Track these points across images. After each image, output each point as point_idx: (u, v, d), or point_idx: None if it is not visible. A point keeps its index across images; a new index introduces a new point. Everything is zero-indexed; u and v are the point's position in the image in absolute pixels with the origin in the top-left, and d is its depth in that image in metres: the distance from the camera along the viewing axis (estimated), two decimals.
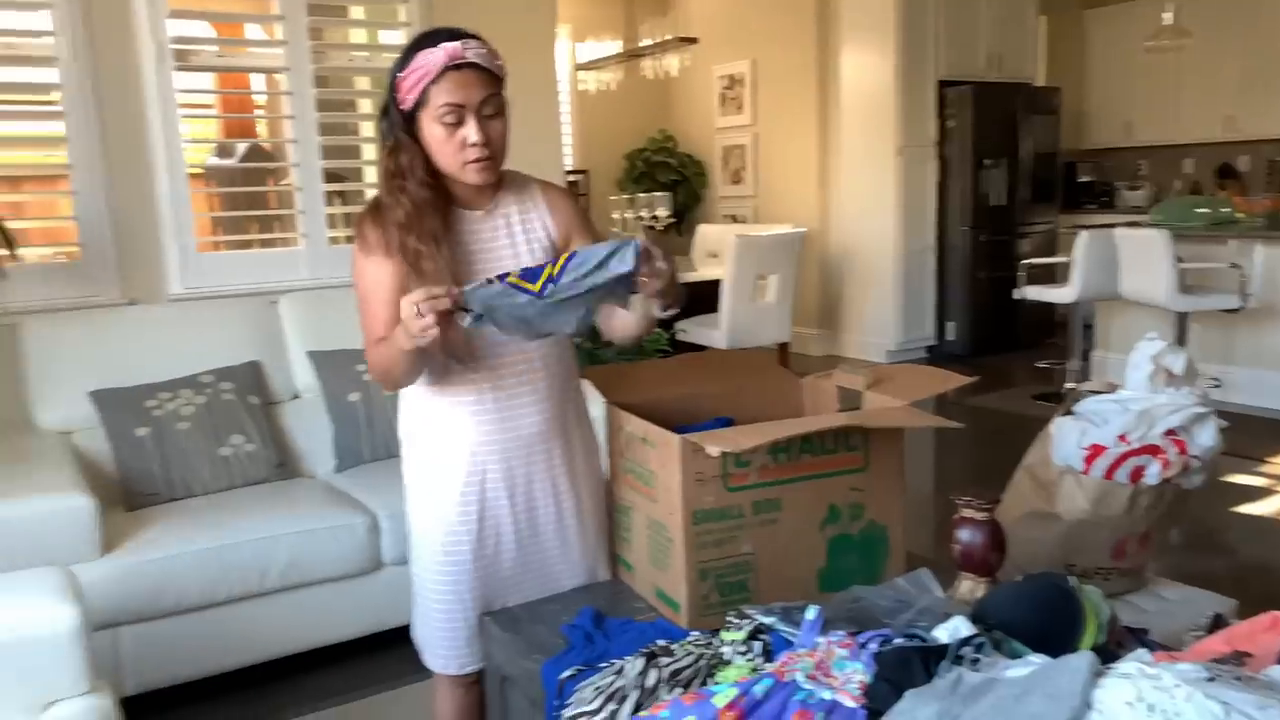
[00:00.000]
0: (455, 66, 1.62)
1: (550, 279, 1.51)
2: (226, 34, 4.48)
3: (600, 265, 1.52)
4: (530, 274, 1.52)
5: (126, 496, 2.84)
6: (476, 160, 1.68)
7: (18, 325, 3.03)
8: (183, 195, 3.40)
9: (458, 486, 1.81)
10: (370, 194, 4.27)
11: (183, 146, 3.43)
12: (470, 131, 1.65)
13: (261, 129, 5.62)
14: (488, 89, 1.66)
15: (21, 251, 2.95)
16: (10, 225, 2.83)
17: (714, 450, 1.60)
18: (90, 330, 3.09)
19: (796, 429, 1.67)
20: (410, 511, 1.90)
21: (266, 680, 2.76)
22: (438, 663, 1.94)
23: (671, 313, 1.68)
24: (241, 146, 4.95)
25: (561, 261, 1.52)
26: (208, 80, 3.91)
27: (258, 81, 4.26)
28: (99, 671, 1.83)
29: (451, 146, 1.67)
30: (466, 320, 1.52)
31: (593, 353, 3.50)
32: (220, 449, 2.95)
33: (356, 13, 4.22)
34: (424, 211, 1.68)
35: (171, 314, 3.28)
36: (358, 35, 4.24)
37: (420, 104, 1.65)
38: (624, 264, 1.52)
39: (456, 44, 1.62)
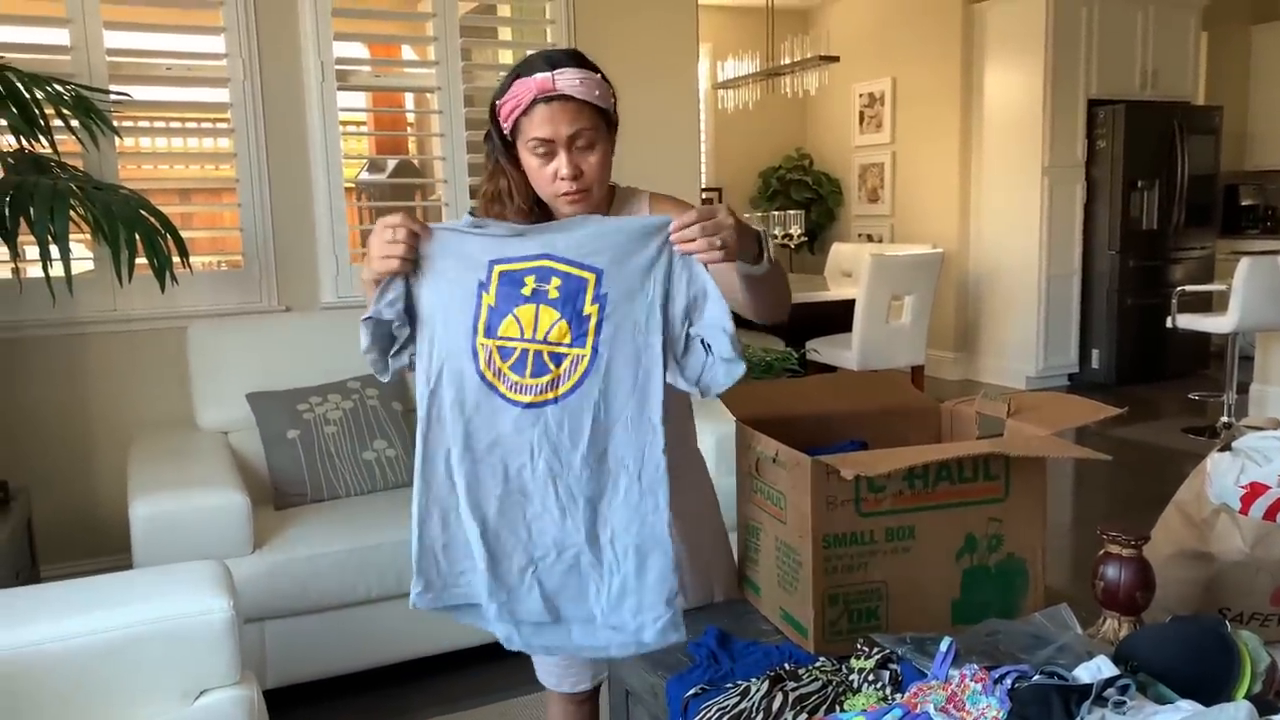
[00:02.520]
0: (545, 99, 1.54)
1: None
2: (380, 54, 4.70)
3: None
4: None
5: (275, 496, 2.99)
6: (567, 194, 1.60)
7: (186, 329, 3.24)
8: (339, 209, 3.58)
9: None
10: None
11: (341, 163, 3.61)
12: (560, 165, 1.57)
13: (411, 146, 5.85)
14: (579, 122, 1.56)
15: (192, 260, 3.14)
16: (182, 235, 3.02)
17: (848, 474, 1.58)
18: (249, 335, 3.27)
19: (934, 455, 1.64)
20: None
21: (396, 682, 2.86)
22: (551, 680, 1.96)
23: (759, 267, 1.56)
24: (392, 163, 5.16)
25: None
26: (363, 99, 4.11)
27: (409, 100, 4.45)
28: (247, 663, 1.91)
29: (544, 178, 1.60)
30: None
31: None
32: (364, 453, 3.08)
33: (505, 34, 4.36)
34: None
35: (323, 321, 3.45)
36: (505, 55, 4.39)
37: (515, 133, 1.60)
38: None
39: (547, 75, 1.53)
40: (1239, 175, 8.35)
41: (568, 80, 1.53)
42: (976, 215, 7.20)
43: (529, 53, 1.63)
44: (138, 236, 2.77)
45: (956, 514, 1.68)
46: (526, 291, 1.39)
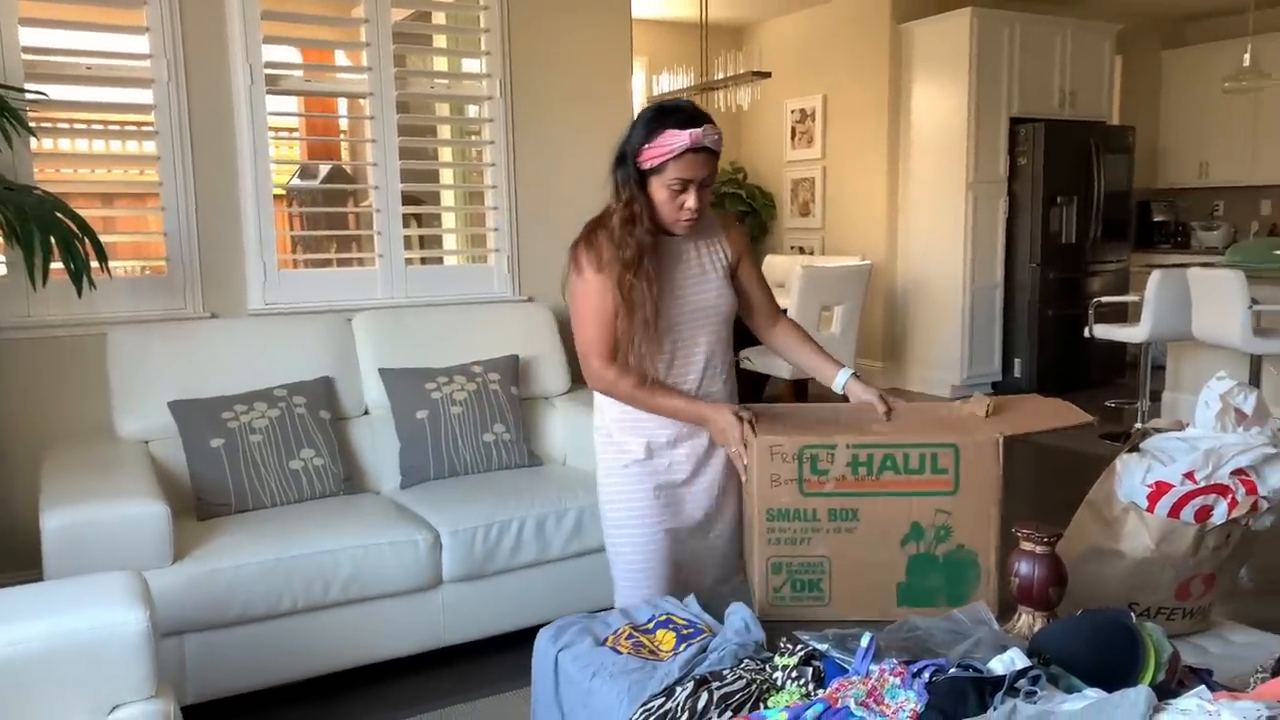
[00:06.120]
0: (694, 149, 1.99)
1: None
2: (313, 59, 4.64)
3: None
4: None
5: (198, 506, 2.92)
6: (687, 220, 2.08)
7: (105, 336, 3.16)
8: (267, 214, 3.52)
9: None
10: (448, 217, 4.38)
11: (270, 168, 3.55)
12: (690, 199, 2.05)
13: (344, 152, 5.78)
14: (709, 168, 2.05)
15: (111, 265, 3.06)
16: (102, 239, 2.95)
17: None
18: (172, 342, 3.19)
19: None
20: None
21: (323, 694, 2.80)
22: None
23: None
24: (324, 168, 5.10)
25: None
26: (294, 103, 4.05)
27: (342, 106, 4.40)
28: (164, 677, 1.87)
29: (671, 208, 2.06)
30: None
31: None
32: (290, 462, 3.03)
33: (439, 41, 4.34)
34: (645, 254, 2.07)
35: (250, 328, 3.38)
36: (439, 62, 4.36)
37: (656, 171, 2.03)
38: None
39: (699, 130, 1.99)
40: (1151, 192, 8.67)
41: (711, 136, 2.02)
42: (904, 228, 7.35)
43: (658, 102, 2.16)
44: (53, 240, 2.70)
45: (902, 502, 1.79)
46: None
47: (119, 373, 3.10)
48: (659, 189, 2.05)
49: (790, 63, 7.87)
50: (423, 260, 3.97)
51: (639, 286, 2.05)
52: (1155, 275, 5.37)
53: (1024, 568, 1.59)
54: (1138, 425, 5.50)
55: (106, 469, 2.80)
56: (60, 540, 2.42)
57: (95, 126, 4.00)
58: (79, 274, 2.79)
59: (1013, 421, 1.91)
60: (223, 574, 2.59)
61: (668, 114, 2.04)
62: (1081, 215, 7.10)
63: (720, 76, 6.98)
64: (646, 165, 2.03)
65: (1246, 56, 6.74)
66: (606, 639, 1.82)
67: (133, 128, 3.61)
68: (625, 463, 2.21)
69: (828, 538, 1.78)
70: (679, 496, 2.22)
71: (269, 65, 3.51)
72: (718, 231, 2.26)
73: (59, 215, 2.77)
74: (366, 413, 3.41)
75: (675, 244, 2.18)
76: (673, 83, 7.35)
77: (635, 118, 2.12)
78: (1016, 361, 7.15)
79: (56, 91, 3.18)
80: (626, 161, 2.07)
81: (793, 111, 8.10)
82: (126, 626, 1.75)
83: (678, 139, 1.98)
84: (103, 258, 2.95)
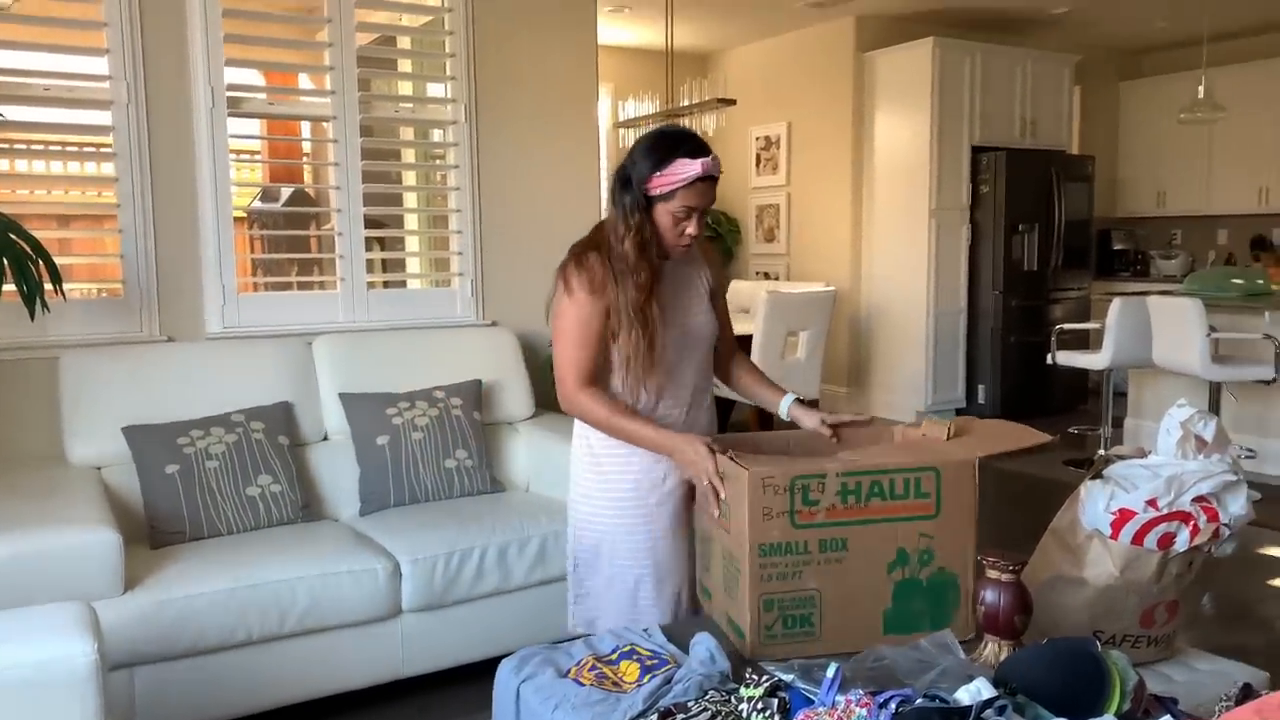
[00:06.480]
0: (704, 179, 2.04)
1: None
2: (276, 82, 4.60)
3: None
4: None
5: (151, 534, 2.85)
6: (686, 245, 2.13)
7: (57, 359, 3.09)
8: (227, 237, 3.47)
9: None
10: (411, 241, 4.35)
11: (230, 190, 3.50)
12: (691, 226, 2.09)
13: (306, 175, 5.73)
14: (712, 194, 2.10)
15: (66, 287, 3.00)
16: (57, 261, 2.89)
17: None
18: (127, 366, 3.12)
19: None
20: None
21: None
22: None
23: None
24: (286, 191, 5.05)
25: None
26: (256, 126, 4.00)
27: (305, 129, 4.36)
28: (113, 712, 1.83)
29: (673, 233, 2.10)
30: None
31: None
32: (248, 489, 2.97)
33: (404, 65, 4.33)
34: (656, 279, 2.11)
35: (207, 352, 3.32)
36: (404, 86, 4.34)
37: (663, 198, 2.06)
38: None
39: (709, 159, 2.05)
40: (1111, 221, 8.83)
41: (717, 166, 2.08)
42: (868, 255, 7.41)
43: (658, 129, 2.18)
44: (6, 261, 2.64)
45: (888, 529, 1.78)
46: None
47: (71, 396, 3.04)
48: (663, 215, 2.08)
49: (755, 90, 7.94)
50: (385, 283, 3.94)
51: (649, 310, 2.08)
52: (1116, 303, 5.45)
53: (989, 596, 1.59)
54: (1100, 452, 5.57)
55: (55, 495, 2.73)
56: (5, 569, 2.34)
57: (53, 148, 3.93)
58: (32, 296, 2.73)
59: (980, 444, 1.92)
60: (175, 604, 2.52)
61: (678, 143, 2.06)
62: (1043, 243, 7.20)
63: (685, 103, 7.02)
64: (655, 192, 2.05)
65: (1201, 89, 6.90)
66: (569, 670, 1.78)
67: (91, 149, 3.56)
68: (621, 491, 2.17)
69: (819, 570, 1.76)
70: (682, 522, 2.19)
71: (231, 88, 3.47)
72: (700, 260, 2.29)
73: (13, 236, 2.72)
74: (326, 438, 3.36)
75: (679, 269, 2.22)
76: (638, 109, 7.37)
77: (636, 143, 2.14)
78: (980, 387, 7.21)
79: (13, 112, 3.12)
80: (632, 187, 2.08)
81: (758, 138, 8.17)
82: (74, 659, 1.70)
83: (690, 168, 2.02)
84: (57, 280, 2.89)
